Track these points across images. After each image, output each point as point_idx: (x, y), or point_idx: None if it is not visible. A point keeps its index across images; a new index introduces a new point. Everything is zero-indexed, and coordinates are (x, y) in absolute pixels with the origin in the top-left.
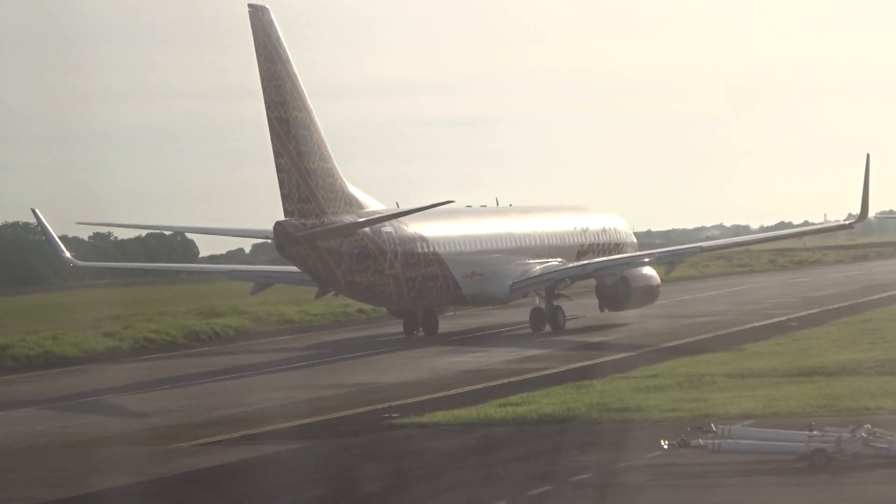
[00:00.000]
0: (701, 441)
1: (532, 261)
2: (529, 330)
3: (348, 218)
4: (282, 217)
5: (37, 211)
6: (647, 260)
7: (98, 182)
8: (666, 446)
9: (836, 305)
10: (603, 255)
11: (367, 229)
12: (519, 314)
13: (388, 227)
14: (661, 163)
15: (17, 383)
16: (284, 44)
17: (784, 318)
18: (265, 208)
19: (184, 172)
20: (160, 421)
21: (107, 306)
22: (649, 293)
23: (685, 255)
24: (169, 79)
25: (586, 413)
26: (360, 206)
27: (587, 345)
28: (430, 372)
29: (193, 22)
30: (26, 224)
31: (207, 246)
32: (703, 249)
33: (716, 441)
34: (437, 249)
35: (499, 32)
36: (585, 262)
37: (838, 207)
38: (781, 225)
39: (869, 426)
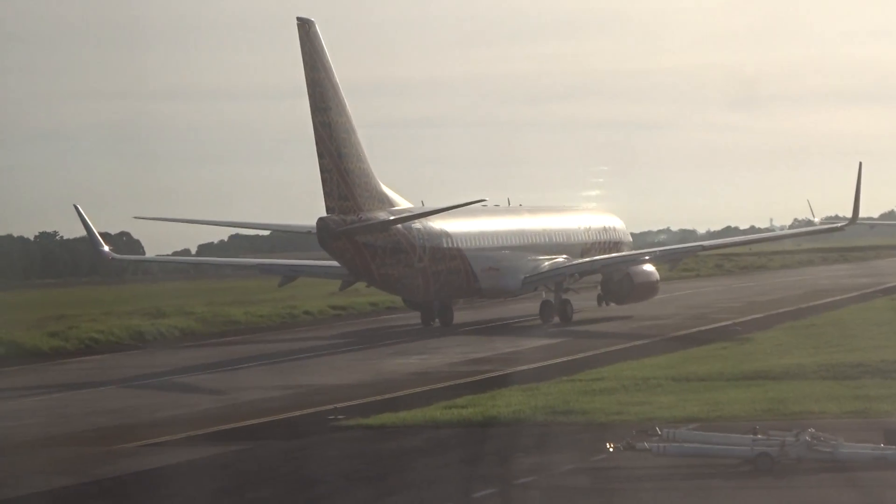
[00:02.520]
0: (646, 444)
1: (541, 257)
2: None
3: (382, 215)
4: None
5: (78, 207)
6: (647, 258)
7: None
8: (611, 449)
9: (781, 310)
10: (604, 253)
11: (399, 225)
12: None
13: (417, 224)
14: (606, 168)
15: None
16: (328, 54)
17: (729, 322)
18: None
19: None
20: (105, 421)
21: (52, 307)
22: (650, 288)
23: (687, 254)
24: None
25: (532, 416)
26: (391, 203)
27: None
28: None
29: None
30: None
31: (153, 246)
32: (703, 248)
33: (661, 444)
34: (459, 245)
35: (468, 34)
36: (594, 258)
37: (782, 213)
38: (728, 230)
39: (813, 430)
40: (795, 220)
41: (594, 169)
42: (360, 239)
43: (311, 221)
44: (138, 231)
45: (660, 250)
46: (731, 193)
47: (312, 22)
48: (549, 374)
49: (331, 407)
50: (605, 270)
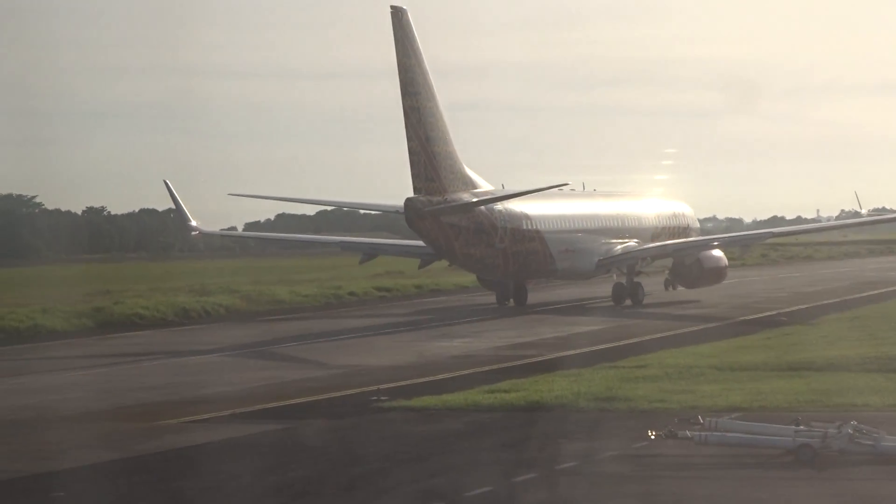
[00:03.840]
0: (688, 433)
1: (614, 241)
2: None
3: (466, 196)
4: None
5: (168, 182)
6: (717, 243)
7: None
8: (653, 437)
9: (827, 301)
10: (673, 238)
11: (482, 207)
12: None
13: (499, 206)
14: (654, 156)
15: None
16: (419, 41)
17: (774, 312)
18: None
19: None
20: (149, 396)
21: (98, 282)
22: (719, 273)
23: (756, 240)
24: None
25: (574, 401)
26: (474, 185)
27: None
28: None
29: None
30: (20, 196)
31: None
32: (773, 234)
33: (703, 433)
34: (538, 227)
35: (502, 19)
36: (666, 242)
37: (828, 204)
38: (774, 220)
39: (855, 423)
40: (843, 211)
41: (661, 152)
42: (445, 219)
43: (362, 199)
44: (187, 209)
45: (729, 236)
46: (777, 183)
47: (405, 10)
48: (595, 359)
49: (374, 388)
50: (677, 255)
